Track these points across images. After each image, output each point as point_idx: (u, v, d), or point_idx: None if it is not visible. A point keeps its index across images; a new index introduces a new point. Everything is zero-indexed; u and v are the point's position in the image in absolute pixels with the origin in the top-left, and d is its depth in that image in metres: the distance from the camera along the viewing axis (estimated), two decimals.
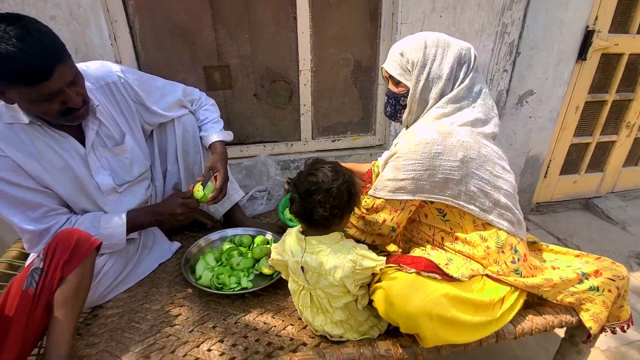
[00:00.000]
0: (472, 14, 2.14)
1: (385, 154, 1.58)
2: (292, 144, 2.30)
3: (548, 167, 2.76)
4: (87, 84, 1.23)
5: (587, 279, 1.18)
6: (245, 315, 1.27)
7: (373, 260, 1.05)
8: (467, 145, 1.07)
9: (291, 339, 1.18)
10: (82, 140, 1.24)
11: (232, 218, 1.72)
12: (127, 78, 1.33)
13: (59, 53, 1.02)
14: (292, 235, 1.14)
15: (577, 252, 1.31)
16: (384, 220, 1.16)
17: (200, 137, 1.53)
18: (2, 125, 1.08)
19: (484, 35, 2.18)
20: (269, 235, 1.63)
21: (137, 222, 1.29)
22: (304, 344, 1.16)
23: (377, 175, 1.48)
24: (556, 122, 2.55)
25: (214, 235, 1.61)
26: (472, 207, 1.11)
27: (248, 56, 2.06)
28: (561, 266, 1.25)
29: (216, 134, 1.51)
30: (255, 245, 1.58)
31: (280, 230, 1.76)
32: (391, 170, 1.13)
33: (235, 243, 1.60)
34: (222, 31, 1.97)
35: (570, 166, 2.86)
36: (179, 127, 1.49)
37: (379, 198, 1.15)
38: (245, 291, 1.34)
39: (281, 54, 2.09)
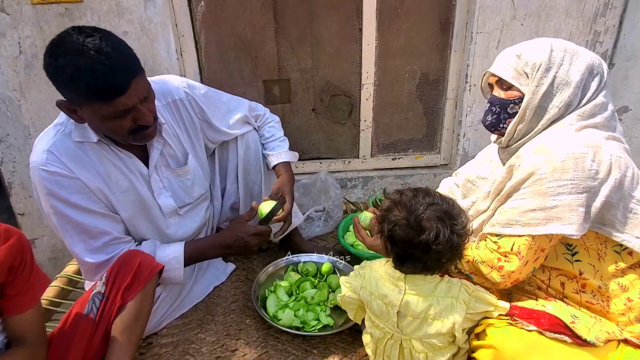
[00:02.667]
0: (558, 22, 1.89)
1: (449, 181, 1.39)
2: (349, 161, 2.17)
3: None
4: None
5: None
6: (308, 357, 1.14)
7: (490, 304, 0.88)
8: (621, 161, 0.90)
9: None
10: (144, 160, 1.19)
11: (289, 240, 1.61)
12: (193, 94, 1.28)
13: (136, 66, 0.97)
14: (378, 270, 0.98)
15: None
16: (526, 262, 0.95)
17: (264, 156, 1.45)
18: (71, 143, 1.06)
19: None
20: (334, 262, 1.51)
21: (198, 254, 1.22)
22: None
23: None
24: None
25: (281, 262, 1.51)
26: (629, 238, 0.91)
27: (309, 69, 1.97)
28: None
29: (283, 154, 1.42)
30: (323, 272, 1.46)
31: (339, 255, 1.63)
32: (533, 198, 0.92)
33: (300, 272, 1.49)
34: (285, 44, 1.91)
35: None
36: (241, 144, 1.42)
37: (522, 236, 0.94)
38: (329, 332, 1.22)
39: (343, 67, 1.98)
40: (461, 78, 2.02)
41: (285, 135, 1.48)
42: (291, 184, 1.36)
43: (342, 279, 1.08)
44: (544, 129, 1.01)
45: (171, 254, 1.15)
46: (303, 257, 1.54)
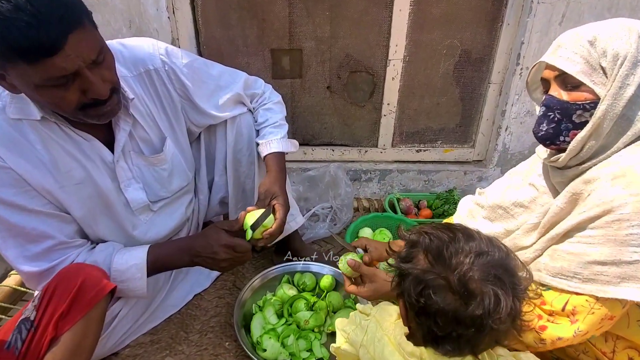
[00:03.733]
0: None
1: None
2: (366, 151, 1.87)
3: None
4: (121, 69, 0.93)
5: None
6: None
7: None
8: None
9: None
10: (109, 143, 0.95)
11: (286, 244, 1.37)
12: (173, 64, 1.01)
13: (76, 16, 0.71)
14: (387, 330, 0.72)
15: None
16: (586, 333, 0.71)
17: (256, 145, 1.18)
18: (4, 121, 0.82)
19: None
20: (337, 274, 1.27)
21: (164, 261, 0.98)
22: None
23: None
24: None
25: (271, 273, 1.27)
26: None
27: (326, 39, 1.65)
28: None
29: (276, 142, 1.13)
30: (322, 287, 1.23)
31: None
32: (605, 245, 0.69)
33: (296, 284, 1.26)
34: (299, 6, 1.58)
35: None
36: (231, 129, 1.15)
37: (581, 294, 0.72)
38: None
39: (368, 37, 1.64)
40: (511, 58, 1.65)
41: (294, 115, 1.19)
42: (281, 181, 1.09)
43: (339, 322, 0.83)
44: (624, 147, 0.73)
45: (131, 261, 0.93)
46: (300, 266, 1.30)
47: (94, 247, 0.96)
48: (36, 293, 0.98)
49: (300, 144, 1.83)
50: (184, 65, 1.04)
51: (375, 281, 0.93)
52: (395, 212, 1.65)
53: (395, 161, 1.91)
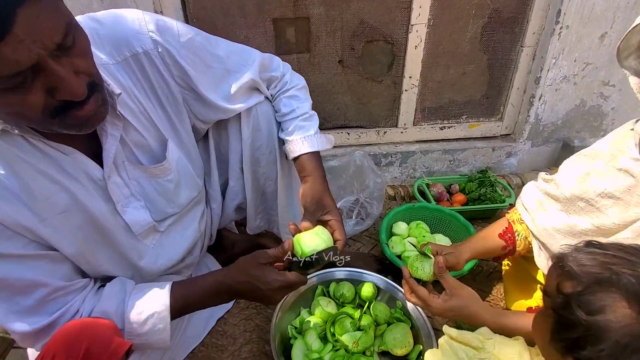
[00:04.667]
0: None
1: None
2: (385, 132, 1.68)
3: None
4: (99, 54, 0.70)
5: None
6: None
7: None
8: None
9: None
10: (97, 155, 0.73)
11: None
12: (167, 43, 0.77)
13: None
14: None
15: None
16: None
17: (281, 140, 0.96)
18: None
19: None
20: (374, 278, 1.11)
21: (192, 305, 0.78)
22: None
23: (523, 235, 0.91)
24: None
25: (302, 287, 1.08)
26: None
27: (337, 3, 1.40)
28: None
29: (310, 139, 0.91)
30: (363, 298, 1.08)
31: (380, 267, 1.23)
32: None
33: (333, 297, 1.09)
34: None
35: None
36: (247, 124, 0.93)
37: None
38: None
39: (386, 0, 1.40)
40: (549, 16, 1.45)
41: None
42: (329, 193, 0.89)
43: (431, 356, 0.67)
44: None
45: (150, 308, 0.72)
46: (336, 273, 1.13)
47: (101, 287, 0.76)
48: (30, 356, 0.78)
49: None
50: (182, 44, 0.79)
51: (460, 296, 0.76)
52: (426, 200, 1.48)
53: (418, 141, 1.72)
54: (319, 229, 0.79)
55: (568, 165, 0.94)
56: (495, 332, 0.77)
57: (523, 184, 1.71)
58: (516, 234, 0.94)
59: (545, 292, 0.53)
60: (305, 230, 0.78)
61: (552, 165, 1.80)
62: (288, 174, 1.03)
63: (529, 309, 0.87)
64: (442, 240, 1.28)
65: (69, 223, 0.70)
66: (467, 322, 0.76)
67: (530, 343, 0.76)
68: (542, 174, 0.99)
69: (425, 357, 0.69)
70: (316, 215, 0.82)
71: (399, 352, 0.95)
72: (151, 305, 0.73)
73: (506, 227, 0.96)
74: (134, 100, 0.77)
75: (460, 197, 1.49)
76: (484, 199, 1.45)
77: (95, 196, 0.73)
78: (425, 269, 0.79)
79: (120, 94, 0.70)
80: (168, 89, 0.81)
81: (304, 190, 0.87)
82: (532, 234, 0.93)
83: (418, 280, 0.81)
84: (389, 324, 1.04)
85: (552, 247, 0.87)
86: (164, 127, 0.82)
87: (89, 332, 0.62)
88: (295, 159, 0.91)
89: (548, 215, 0.91)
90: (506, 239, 0.93)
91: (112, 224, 0.76)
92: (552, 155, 1.80)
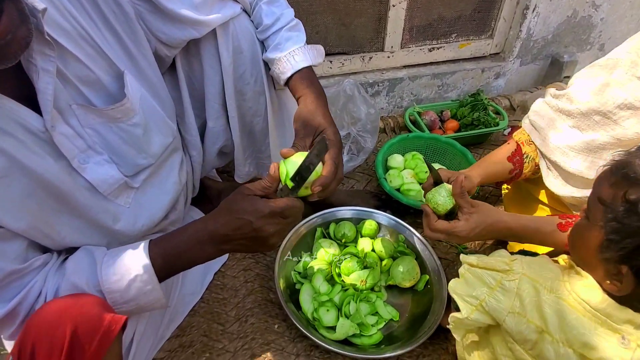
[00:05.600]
0: None
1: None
2: (370, 57, 1.51)
3: None
4: None
5: None
6: None
7: None
8: None
9: None
10: (32, 99, 0.55)
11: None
12: None
13: None
14: (559, 292, 0.54)
15: None
16: None
17: (266, 63, 0.80)
18: None
19: None
20: (374, 215, 1.06)
21: (176, 262, 0.66)
22: None
23: (531, 156, 0.88)
24: None
25: (302, 228, 1.01)
26: None
27: None
28: None
29: (300, 52, 0.76)
30: (365, 235, 1.04)
31: (378, 203, 1.18)
32: None
33: (334, 237, 1.04)
34: None
35: None
36: (226, 45, 0.75)
37: None
38: (406, 350, 0.80)
39: None
40: None
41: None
42: (323, 109, 0.75)
43: (455, 286, 0.64)
44: None
45: (130, 273, 0.61)
46: (335, 213, 1.07)
47: (65, 261, 0.63)
48: (7, 345, 0.67)
49: None
50: None
51: (479, 210, 0.72)
52: (418, 129, 1.40)
53: (405, 66, 1.58)
54: (305, 153, 0.66)
55: (581, 78, 0.86)
56: (517, 234, 0.74)
57: (512, 106, 1.67)
58: (524, 156, 0.89)
59: (601, 201, 0.48)
60: (289, 155, 0.66)
61: (539, 84, 1.75)
62: (279, 108, 0.89)
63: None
64: (440, 168, 1.22)
65: (11, 192, 0.55)
66: (492, 236, 0.73)
67: (551, 253, 0.76)
68: (551, 90, 0.92)
69: (449, 287, 0.65)
70: (307, 139, 0.70)
71: (407, 284, 0.94)
72: (130, 269, 0.61)
73: (515, 150, 0.90)
74: (69, 19, 0.58)
75: (452, 123, 1.42)
76: (477, 123, 1.39)
77: (41, 153, 0.57)
78: (444, 198, 0.73)
79: (45, 9, 0.51)
80: (114, 1, 0.61)
81: (296, 113, 0.73)
82: (542, 153, 0.89)
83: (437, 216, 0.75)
84: (394, 258, 1.02)
85: (566, 165, 0.83)
86: (115, 54, 0.64)
87: (72, 312, 0.51)
88: (291, 80, 0.76)
89: (561, 134, 0.85)
90: (514, 161, 0.88)
91: (70, 185, 0.61)
92: (539, 73, 1.74)
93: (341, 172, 0.70)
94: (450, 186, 0.74)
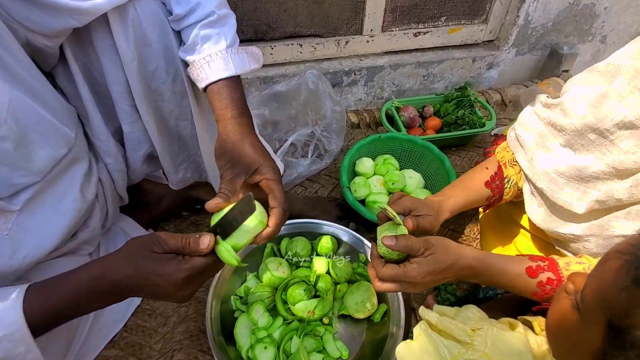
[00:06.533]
0: None
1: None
2: (347, 42, 1.33)
3: None
4: None
5: None
6: None
7: None
8: None
9: None
10: None
11: None
12: None
13: None
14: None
15: None
16: None
17: (184, 62, 0.63)
18: None
19: None
20: (333, 229, 0.93)
21: (60, 314, 0.51)
22: None
23: (514, 180, 0.75)
24: None
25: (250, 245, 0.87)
26: None
27: None
28: None
29: (220, 57, 0.59)
30: (320, 253, 0.91)
31: (341, 214, 1.05)
32: None
33: (285, 256, 0.91)
34: None
35: None
36: (124, 35, 0.58)
37: None
38: None
39: None
40: None
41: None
42: (252, 138, 0.59)
43: (403, 351, 0.52)
44: None
45: None
46: (290, 226, 0.94)
47: None
48: None
49: (250, 39, 1.25)
50: None
51: (434, 246, 0.57)
52: (396, 127, 1.24)
53: (387, 52, 1.40)
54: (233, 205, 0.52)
55: (578, 84, 0.71)
56: (480, 275, 0.62)
57: (503, 101, 1.51)
58: (506, 180, 0.75)
59: (605, 307, 0.34)
60: (220, 209, 0.53)
61: (535, 77, 1.58)
62: (210, 109, 0.73)
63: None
64: (413, 176, 1.08)
65: None
66: (452, 278, 0.60)
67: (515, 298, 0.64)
68: (541, 97, 0.76)
69: (397, 353, 0.54)
70: (238, 180, 0.56)
71: (361, 316, 0.83)
72: None
73: (495, 173, 0.76)
74: None
75: (434, 121, 1.27)
76: (462, 122, 1.23)
77: None
78: (381, 246, 0.59)
79: None
80: None
81: (216, 147, 0.58)
82: (526, 176, 0.75)
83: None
84: (351, 281, 0.90)
85: (554, 195, 0.69)
86: None
87: None
88: (209, 88, 0.60)
89: (550, 154, 0.71)
90: (493, 187, 0.74)
91: None
92: (536, 65, 1.57)
93: (287, 213, 0.57)
94: (401, 230, 0.60)
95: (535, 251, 0.83)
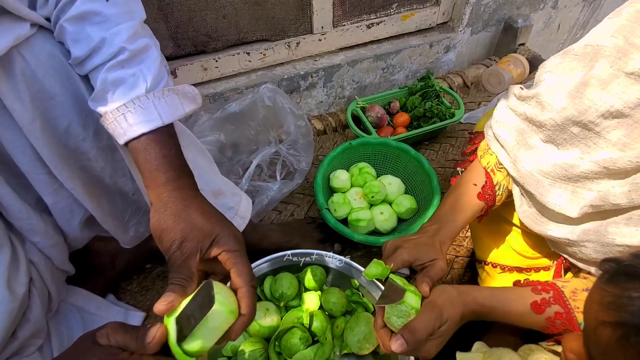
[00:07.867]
0: None
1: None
2: (297, 43, 1.22)
3: None
4: None
5: None
6: None
7: None
8: None
9: None
10: None
11: None
12: None
13: None
14: None
15: None
16: None
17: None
18: None
19: None
20: (320, 257, 0.84)
21: None
22: None
23: (504, 185, 0.70)
24: None
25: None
26: None
27: None
28: None
29: (138, 107, 0.44)
30: (309, 287, 0.82)
31: (323, 235, 0.96)
32: None
33: (272, 297, 0.81)
34: None
35: None
36: (13, 92, 0.43)
37: None
38: None
39: None
40: None
41: (154, 11, 0.48)
42: (199, 197, 0.47)
43: None
44: None
45: None
46: (271, 263, 0.84)
47: None
48: None
49: (190, 54, 1.10)
50: None
51: (445, 318, 0.51)
52: (364, 128, 1.16)
53: (342, 49, 1.31)
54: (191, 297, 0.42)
55: (552, 71, 0.64)
56: (487, 315, 0.57)
57: (465, 84, 1.47)
58: (497, 187, 0.69)
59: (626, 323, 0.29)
60: (174, 309, 0.41)
61: (492, 54, 1.56)
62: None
63: (517, 282, 0.68)
64: (393, 182, 1.01)
65: None
66: (465, 321, 0.54)
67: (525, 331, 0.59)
68: (514, 88, 0.70)
69: None
70: (191, 262, 0.43)
71: (366, 352, 0.75)
72: None
73: (485, 183, 0.70)
74: None
75: (403, 117, 1.21)
76: (431, 115, 1.18)
77: None
78: (403, 315, 0.51)
79: None
80: None
81: (153, 228, 0.45)
82: (513, 179, 0.69)
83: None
84: (348, 312, 0.82)
85: (542, 198, 0.64)
86: None
87: None
88: (131, 145, 0.46)
89: (532, 152, 0.65)
90: (486, 198, 0.68)
91: None
92: (491, 42, 1.54)
93: (256, 289, 0.46)
94: (410, 299, 0.52)
95: (528, 248, 0.79)
